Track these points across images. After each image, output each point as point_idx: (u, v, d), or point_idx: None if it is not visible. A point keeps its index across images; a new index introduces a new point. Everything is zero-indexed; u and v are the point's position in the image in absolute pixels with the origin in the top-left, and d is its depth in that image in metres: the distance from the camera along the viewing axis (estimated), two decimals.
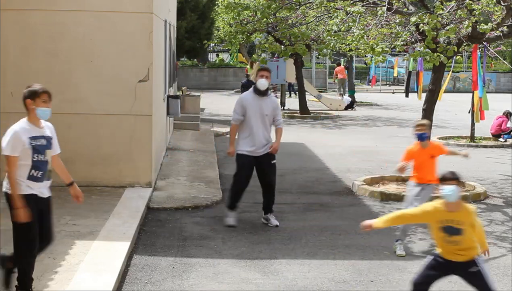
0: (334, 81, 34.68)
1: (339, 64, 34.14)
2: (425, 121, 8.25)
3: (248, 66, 33.05)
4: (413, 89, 27.30)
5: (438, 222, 5.40)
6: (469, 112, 18.01)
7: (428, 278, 5.59)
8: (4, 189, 5.71)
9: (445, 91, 20.99)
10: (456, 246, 5.38)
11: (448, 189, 5.26)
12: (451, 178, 5.30)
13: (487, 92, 18.78)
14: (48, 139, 5.83)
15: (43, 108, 5.67)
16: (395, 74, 41.24)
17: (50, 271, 6.45)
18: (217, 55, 42.13)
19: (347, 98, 28.73)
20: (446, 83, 21.27)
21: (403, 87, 32.11)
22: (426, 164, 7.92)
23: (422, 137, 7.84)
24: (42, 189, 5.79)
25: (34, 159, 5.62)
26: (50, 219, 5.93)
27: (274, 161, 8.98)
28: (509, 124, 18.60)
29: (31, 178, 5.65)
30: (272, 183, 8.97)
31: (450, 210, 5.34)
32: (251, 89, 8.98)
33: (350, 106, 27.98)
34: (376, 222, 5.75)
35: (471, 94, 17.26)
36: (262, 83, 8.77)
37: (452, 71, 22.21)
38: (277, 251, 7.80)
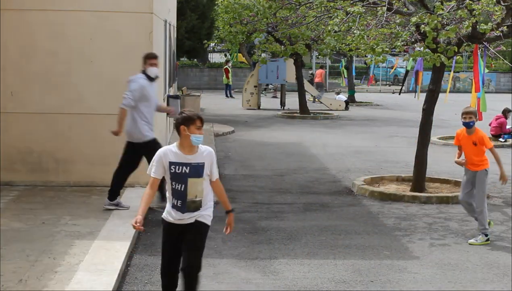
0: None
1: (322, 67, 34.30)
2: (471, 109, 8.60)
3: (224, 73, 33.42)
4: (409, 89, 27.34)
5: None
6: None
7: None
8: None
9: (445, 91, 20.99)
10: None
11: None
12: None
13: (487, 92, 18.74)
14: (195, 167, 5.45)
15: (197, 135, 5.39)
16: (391, 73, 41.30)
17: (50, 271, 6.45)
18: (225, 55, 42.21)
19: (340, 97, 29.03)
20: (449, 85, 21.28)
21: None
22: (470, 150, 8.45)
23: (469, 125, 8.36)
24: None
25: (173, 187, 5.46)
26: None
27: None
28: (509, 126, 18.59)
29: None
30: None
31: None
32: None
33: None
34: None
35: (470, 94, 17.23)
36: None
37: (453, 72, 22.25)
38: (277, 251, 7.80)
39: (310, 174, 12.92)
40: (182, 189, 5.44)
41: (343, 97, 29.39)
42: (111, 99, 10.32)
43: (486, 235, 8.31)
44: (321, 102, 28.72)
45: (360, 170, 13.24)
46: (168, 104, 14.50)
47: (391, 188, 11.44)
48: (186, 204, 5.47)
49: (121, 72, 10.29)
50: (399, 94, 27.51)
